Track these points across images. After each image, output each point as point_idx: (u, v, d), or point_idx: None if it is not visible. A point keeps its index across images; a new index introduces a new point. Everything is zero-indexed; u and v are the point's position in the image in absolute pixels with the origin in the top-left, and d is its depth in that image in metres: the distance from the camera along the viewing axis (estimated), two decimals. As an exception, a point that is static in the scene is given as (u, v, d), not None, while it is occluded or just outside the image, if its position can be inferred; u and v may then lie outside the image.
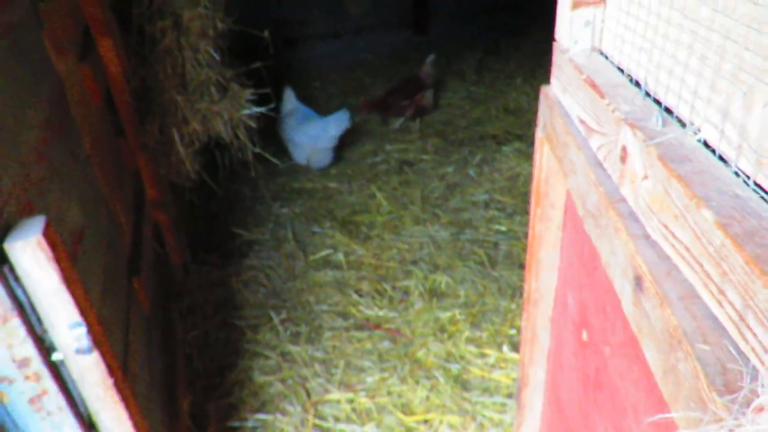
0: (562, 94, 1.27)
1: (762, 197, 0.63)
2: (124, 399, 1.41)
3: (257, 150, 3.08)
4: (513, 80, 5.48)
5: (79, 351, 1.27)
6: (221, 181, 3.49)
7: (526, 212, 3.34)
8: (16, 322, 1.15)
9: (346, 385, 2.50)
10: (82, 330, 1.25)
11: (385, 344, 2.70)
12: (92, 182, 1.94)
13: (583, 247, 1.23)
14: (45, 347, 1.23)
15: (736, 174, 0.69)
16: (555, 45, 1.32)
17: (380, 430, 2.28)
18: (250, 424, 2.35)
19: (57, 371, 1.26)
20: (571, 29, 1.24)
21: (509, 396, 2.37)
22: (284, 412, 2.38)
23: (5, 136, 1.29)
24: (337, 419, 2.35)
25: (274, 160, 3.53)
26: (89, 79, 2.20)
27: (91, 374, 1.31)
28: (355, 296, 3.01)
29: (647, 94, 0.96)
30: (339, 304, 2.98)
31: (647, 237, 0.77)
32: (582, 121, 1.11)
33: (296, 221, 3.71)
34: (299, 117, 4.17)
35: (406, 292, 3.03)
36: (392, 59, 6.24)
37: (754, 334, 0.52)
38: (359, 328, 2.81)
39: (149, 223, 2.68)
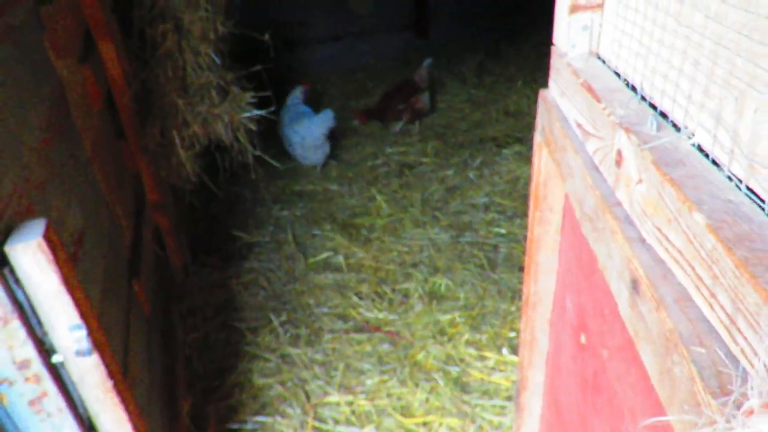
0: (560, 97, 1.28)
1: (754, 201, 0.64)
2: (124, 401, 1.41)
3: (257, 152, 3.09)
4: (513, 83, 5.49)
5: (79, 353, 1.27)
6: (221, 183, 3.50)
7: (526, 215, 3.34)
8: (16, 324, 1.16)
9: (345, 388, 2.50)
10: (82, 332, 1.25)
11: (385, 347, 2.70)
12: (93, 184, 1.95)
13: (581, 251, 1.23)
14: (45, 349, 1.23)
15: (729, 178, 0.70)
16: (553, 49, 1.33)
17: (379, 433, 2.28)
18: (249, 426, 2.35)
19: (57, 373, 1.27)
20: (568, 33, 1.25)
21: (508, 399, 2.37)
22: (284, 415, 2.39)
23: (6, 138, 1.30)
24: (336, 422, 2.35)
25: (274, 162, 3.54)
26: (90, 81, 2.21)
27: (91, 376, 1.32)
28: (355, 299, 3.01)
29: (643, 98, 0.97)
30: (339, 306, 2.98)
31: (643, 240, 0.77)
32: (579, 125, 1.12)
33: (296, 224, 3.72)
34: (293, 114, 4.31)
35: (406, 294, 3.03)
36: (393, 62, 6.25)
37: (744, 337, 0.53)
38: (359, 330, 2.81)
39: (149, 226, 2.69)
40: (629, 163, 0.84)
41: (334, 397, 2.45)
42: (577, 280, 1.28)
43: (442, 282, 3.07)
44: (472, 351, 2.61)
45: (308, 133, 4.17)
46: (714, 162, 0.74)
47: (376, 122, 4.98)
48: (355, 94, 5.64)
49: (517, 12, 6.66)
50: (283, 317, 2.91)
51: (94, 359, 1.30)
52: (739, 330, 0.54)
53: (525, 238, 2.76)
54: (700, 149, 0.78)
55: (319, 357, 2.67)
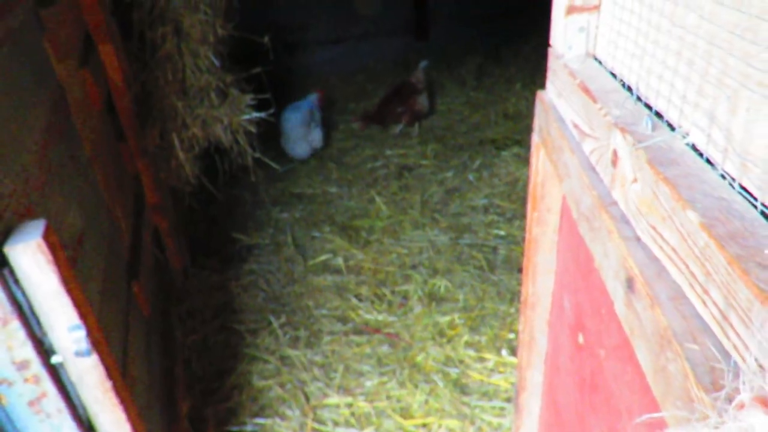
0: (557, 98, 1.29)
1: (746, 199, 0.65)
2: (123, 402, 1.42)
3: (257, 155, 3.09)
4: (512, 85, 5.50)
5: (78, 354, 1.28)
6: (221, 185, 3.50)
7: (525, 217, 3.35)
8: (15, 324, 1.16)
9: (344, 389, 2.50)
10: (82, 333, 1.26)
11: (384, 348, 2.70)
12: (92, 186, 1.95)
13: (578, 251, 1.24)
14: (44, 350, 1.24)
15: (723, 177, 0.70)
16: (550, 50, 1.34)
17: (379, 434, 2.29)
18: (248, 428, 2.35)
19: (56, 374, 1.27)
20: (565, 35, 1.26)
21: (508, 400, 2.37)
22: (283, 417, 2.39)
23: (7, 139, 1.30)
24: (336, 423, 2.35)
25: (273, 164, 3.55)
26: (90, 84, 2.22)
27: (90, 377, 1.32)
28: (354, 301, 3.02)
29: (638, 98, 0.98)
30: (338, 308, 2.98)
31: (638, 239, 0.78)
32: (576, 126, 1.13)
33: (296, 226, 3.72)
34: (291, 107, 4.44)
35: (405, 296, 3.03)
36: (393, 64, 6.26)
37: (736, 333, 0.53)
38: (358, 332, 2.82)
39: (149, 228, 2.69)
40: (625, 163, 0.85)
41: (333, 399, 2.45)
42: (575, 280, 1.28)
43: (441, 284, 3.07)
44: (471, 352, 2.62)
45: (288, 125, 4.31)
46: (708, 161, 0.75)
47: (375, 126, 4.99)
48: (355, 96, 5.65)
49: (516, 14, 6.67)
50: (283, 319, 2.91)
51: (93, 360, 1.31)
52: (731, 326, 0.54)
53: (524, 239, 2.77)
54: (695, 148, 0.78)
55: (318, 359, 2.67)
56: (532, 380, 1.64)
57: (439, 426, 2.29)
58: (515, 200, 3.77)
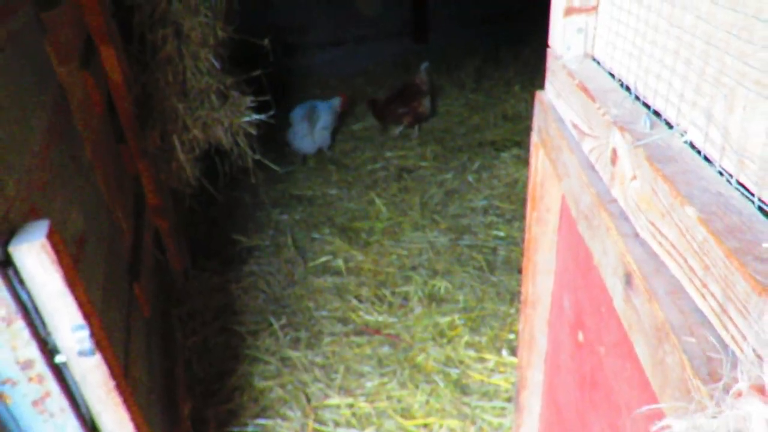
0: (556, 99, 1.30)
1: (743, 195, 0.66)
2: (126, 402, 1.42)
3: (257, 157, 3.10)
4: (511, 87, 5.52)
5: (81, 353, 1.28)
6: (221, 187, 3.51)
7: (525, 218, 3.36)
8: (20, 324, 1.17)
9: (345, 390, 2.51)
10: (85, 332, 1.26)
11: (385, 349, 2.71)
12: (94, 188, 1.96)
13: (578, 249, 1.25)
14: (48, 349, 1.24)
15: (720, 173, 0.71)
16: (549, 51, 1.35)
17: (380, 435, 2.29)
18: (250, 429, 2.36)
19: (60, 373, 1.28)
20: (564, 36, 1.27)
21: (508, 400, 2.38)
22: (284, 417, 2.39)
23: (10, 141, 1.31)
24: (337, 424, 2.36)
25: (273, 166, 3.55)
26: (91, 86, 2.23)
27: (94, 376, 1.33)
28: (354, 302, 3.02)
29: (637, 98, 0.99)
30: (339, 309, 2.99)
31: (637, 236, 0.79)
32: (575, 125, 1.14)
33: (296, 228, 3.73)
34: (303, 104, 4.63)
35: (406, 297, 3.04)
36: (393, 67, 6.28)
37: (735, 324, 0.54)
38: (359, 333, 2.82)
39: (150, 229, 2.70)
40: (624, 161, 0.86)
41: (334, 400, 2.46)
42: (575, 278, 1.29)
43: (441, 285, 3.08)
44: (471, 353, 2.62)
45: (297, 112, 4.51)
46: (706, 158, 0.76)
47: (375, 125, 5.00)
48: (355, 99, 5.66)
49: (515, 17, 6.70)
50: (283, 320, 2.92)
51: (97, 359, 1.31)
52: (730, 318, 0.55)
53: (523, 240, 2.78)
54: (692, 146, 0.79)
55: (319, 360, 2.68)
56: (533, 379, 1.65)
57: (440, 426, 2.29)
58: (515, 201, 3.78)
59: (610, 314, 1.03)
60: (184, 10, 2.78)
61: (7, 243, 1.15)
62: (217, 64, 2.87)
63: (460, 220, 3.67)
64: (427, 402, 2.40)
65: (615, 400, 1.05)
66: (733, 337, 0.54)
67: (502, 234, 3.48)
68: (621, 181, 0.87)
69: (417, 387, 2.48)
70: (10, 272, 1.15)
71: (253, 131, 3.02)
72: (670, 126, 0.86)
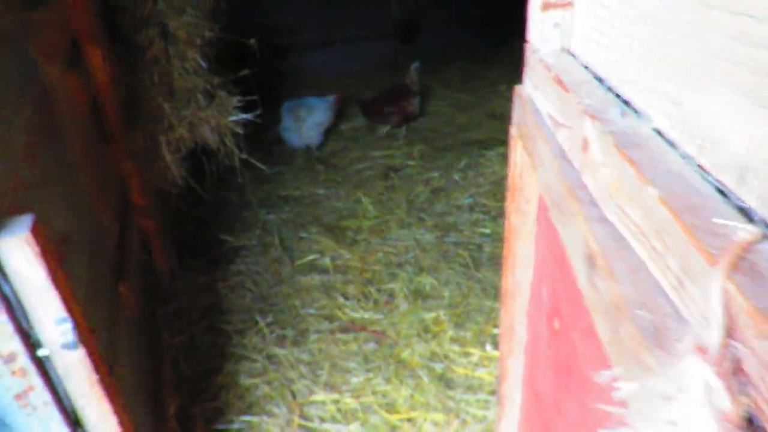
0: (533, 92, 1.33)
1: (703, 177, 0.69)
2: (110, 396, 1.43)
3: (244, 156, 3.11)
4: (497, 87, 5.56)
5: (65, 346, 1.29)
6: (208, 187, 3.51)
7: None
8: (3, 318, 1.17)
9: (331, 387, 2.52)
10: (68, 325, 1.27)
11: (371, 345, 2.73)
12: (78, 187, 1.96)
13: (553, 239, 1.28)
14: (31, 343, 1.25)
15: (683, 157, 0.74)
16: (527, 46, 1.38)
17: (365, 430, 2.31)
18: (236, 426, 2.36)
19: (43, 367, 1.28)
20: (541, 31, 1.30)
21: (492, 393, 2.41)
22: (270, 414, 2.40)
23: (-7, 137, 1.32)
24: (322, 420, 2.37)
25: (260, 165, 3.56)
26: (76, 86, 2.23)
27: (77, 370, 1.34)
28: (341, 299, 3.04)
29: (609, 89, 1.02)
30: (325, 307, 3.00)
31: (602, 220, 0.82)
32: (551, 117, 1.17)
33: (283, 227, 3.74)
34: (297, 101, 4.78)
35: (392, 294, 3.06)
36: (382, 68, 6.31)
37: (689, 294, 0.57)
38: (345, 330, 2.84)
39: (135, 229, 2.70)
40: (594, 148, 0.89)
41: (320, 396, 2.47)
42: (552, 269, 1.32)
43: (427, 281, 3.10)
44: (456, 348, 2.65)
45: (286, 106, 4.68)
46: (671, 144, 0.79)
47: (363, 125, 5.03)
48: (344, 100, 5.67)
49: (501, 18, 6.76)
50: (270, 318, 2.92)
51: (80, 353, 1.32)
52: (685, 289, 0.58)
53: (508, 237, 2.81)
54: (659, 133, 0.82)
55: (305, 357, 2.69)
56: (513, 369, 1.67)
57: (425, 420, 2.32)
58: (500, 199, 3.82)
59: (581, 299, 1.06)
60: (170, 10, 2.78)
61: (-10, 236, 1.15)
62: (203, 64, 2.88)
63: (446, 217, 3.70)
64: (412, 396, 2.42)
65: (588, 385, 1.08)
66: (687, 307, 0.57)
67: (487, 231, 3.52)
68: (591, 167, 0.90)
69: (402, 382, 2.50)
70: (-7, 265, 1.15)
71: (240, 131, 3.03)
72: (638, 114, 0.89)
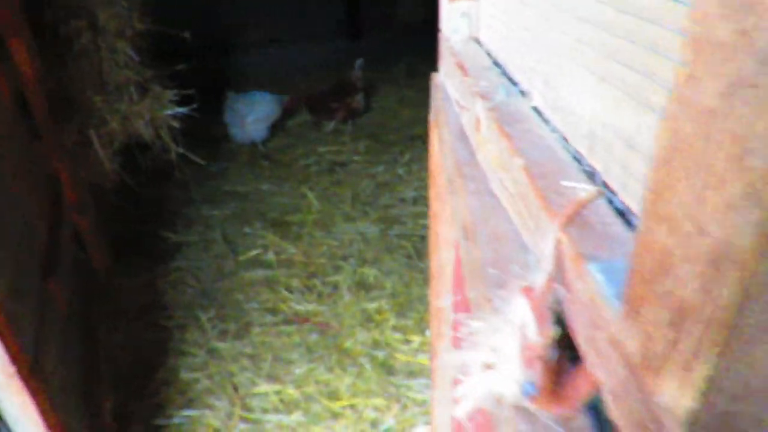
0: (445, 79, 1.38)
1: (564, 147, 0.75)
2: (31, 389, 1.41)
3: (180, 150, 3.08)
4: (442, 83, 5.65)
5: (-22, 339, 1.27)
6: (149, 183, 3.45)
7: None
8: None
9: (274, 378, 2.54)
10: (-19, 317, 1.25)
11: (314, 336, 2.75)
12: (2, 184, 1.91)
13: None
14: (-58, 336, 1.22)
15: (553, 132, 0.80)
16: (440, 35, 1.44)
17: (307, 418, 2.33)
18: (176, 421, 2.35)
19: (-44, 361, 1.26)
20: (450, 20, 1.36)
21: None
22: (211, 408, 2.40)
23: None
24: (264, 411, 2.38)
25: (199, 160, 3.52)
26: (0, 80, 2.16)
27: (-7, 363, 1.32)
28: (285, 293, 3.05)
29: (504, 73, 1.08)
30: (269, 301, 3.01)
31: (477, 192, 0.88)
32: (456, 101, 1.23)
33: (227, 223, 3.71)
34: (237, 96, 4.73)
35: (335, 286, 3.09)
36: (327, 65, 6.30)
37: (541, 250, 0.63)
38: (288, 322, 2.85)
39: (68, 226, 2.63)
40: (483, 125, 0.95)
41: (262, 388, 2.48)
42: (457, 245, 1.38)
43: (370, 273, 3.15)
44: (398, 335, 2.70)
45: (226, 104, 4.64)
46: (545, 120, 0.85)
47: (308, 121, 5.03)
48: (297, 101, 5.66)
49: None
50: (212, 314, 2.91)
51: (-4, 345, 1.30)
52: (538, 246, 0.64)
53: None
54: (536, 110, 0.88)
55: (247, 350, 2.69)
56: (442, 348, 1.73)
57: (366, 405, 2.36)
58: (443, 191, 3.90)
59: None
60: (99, 2, 2.73)
61: None
62: (135, 57, 2.83)
63: (390, 210, 3.75)
64: (354, 384, 2.46)
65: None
66: (537, 260, 0.63)
67: (430, 222, 3.59)
68: (482, 144, 0.96)
69: (344, 370, 2.54)
70: None
71: (176, 125, 3.00)
72: (523, 94, 0.95)
